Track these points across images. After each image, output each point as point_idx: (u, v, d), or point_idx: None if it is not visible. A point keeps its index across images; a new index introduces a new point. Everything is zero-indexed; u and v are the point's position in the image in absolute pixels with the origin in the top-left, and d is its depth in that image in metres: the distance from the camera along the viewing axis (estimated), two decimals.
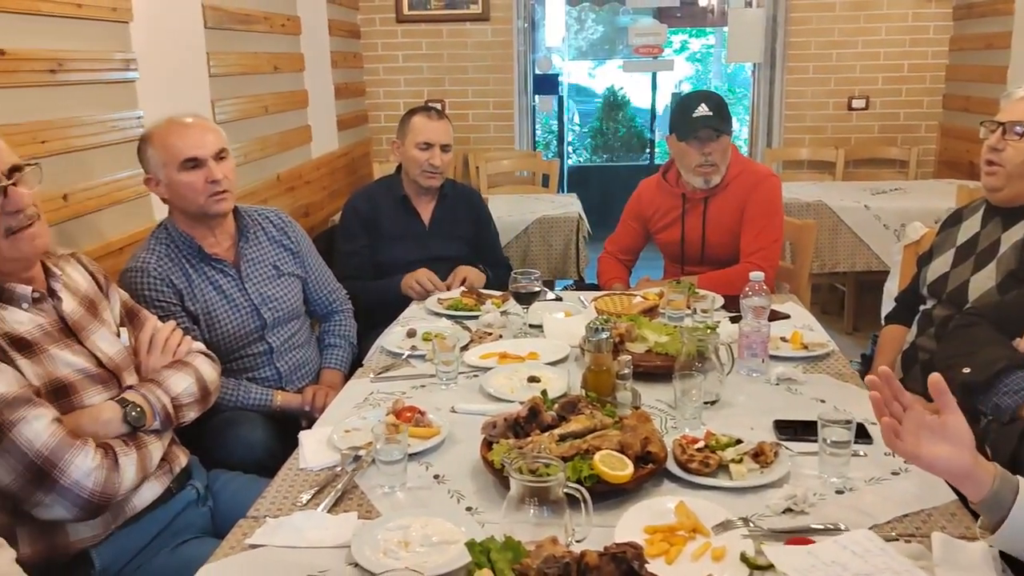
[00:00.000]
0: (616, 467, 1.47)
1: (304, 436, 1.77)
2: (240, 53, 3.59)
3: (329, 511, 1.48)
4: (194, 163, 2.17)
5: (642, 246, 3.23)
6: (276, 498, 1.55)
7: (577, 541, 1.32)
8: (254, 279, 2.33)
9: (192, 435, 1.95)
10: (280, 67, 4.07)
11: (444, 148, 3.02)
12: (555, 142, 8.80)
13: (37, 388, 1.56)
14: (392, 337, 2.35)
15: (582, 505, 1.32)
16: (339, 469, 1.63)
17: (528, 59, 5.68)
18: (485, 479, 1.57)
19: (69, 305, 1.72)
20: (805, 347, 2.19)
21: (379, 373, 2.12)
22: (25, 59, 2.18)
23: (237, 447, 2.04)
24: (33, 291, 1.64)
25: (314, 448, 1.72)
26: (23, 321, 1.61)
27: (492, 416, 1.66)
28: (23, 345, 1.58)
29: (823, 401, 1.87)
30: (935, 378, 1.28)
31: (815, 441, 1.56)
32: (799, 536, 1.34)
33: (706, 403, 1.83)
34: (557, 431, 1.58)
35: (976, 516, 1.31)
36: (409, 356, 2.21)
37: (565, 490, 1.30)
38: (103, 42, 2.57)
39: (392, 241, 3.03)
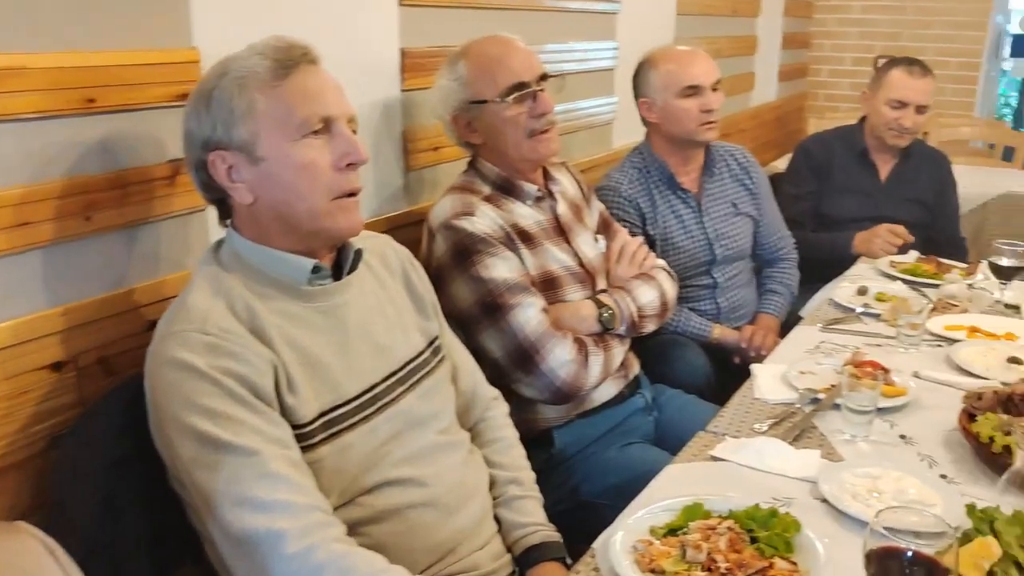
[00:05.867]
0: None
1: (757, 368, 1.78)
2: None
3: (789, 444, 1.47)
4: (693, 91, 2.25)
5: None
6: (733, 420, 1.58)
7: None
8: (712, 213, 2.37)
9: (636, 350, 2.05)
10: (738, 11, 4.04)
11: (919, 109, 2.79)
12: (1011, 114, 7.68)
13: (532, 277, 1.74)
14: (842, 292, 2.25)
15: None
16: (796, 407, 1.61)
17: (1003, 17, 4.99)
18: (961, 451, 1.45)
19: (562, 207, 1.88)
20: None
21: (829, 324, 2.05)
22: None
23: (680, 368, 2.12)
24: (537, 190, 1.82)
25: (769, 382, 1.72)
26: (526, 215, 1.80)
27: (978, 389, 1.52)
28: (526, 237, 1.77)
29: None
30: None
31: None
32: None
33: None
34: None
35: None
36: (862, 313, 2.10)
37: None
38: None
39: (841, 193, 2.89)
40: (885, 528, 0.95)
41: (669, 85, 2.26)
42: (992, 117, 5.30)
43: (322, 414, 1.18)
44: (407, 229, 1.91)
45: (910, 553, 0.94)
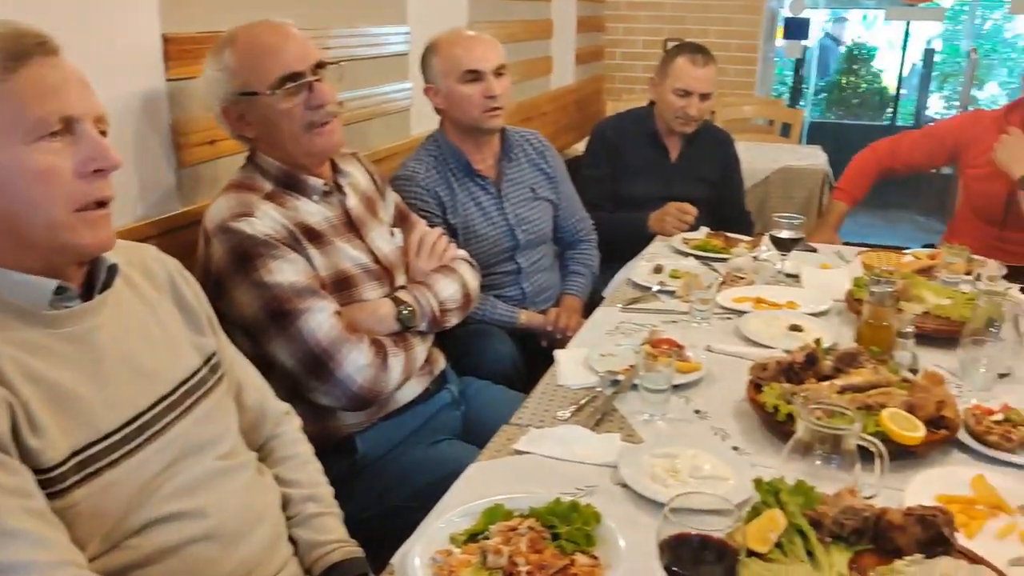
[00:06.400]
0: (905, 427, 1.36)
1: (560, 354, 1.77)
2: None
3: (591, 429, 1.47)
4: (474, 76, 2.21)
5: (924, 170, 3.13)
6: (537, 410, 1.56)
7: (865, 498, 1.22)
8: (512, 199, 2.35)
9: (442, 342, 2.00)
10: None
11: (703, 97, 2.89)
12: (787, 92, 8.29)
13: (323, 279, 1.64)
14: (639, 271, 2.31)
15: (876, 461, 1.22)
16: (598, 390, 1.62)
17: (777, 1, 5.35)
18: (751, 421, 1.50)
19: (352, 201, 1.79)
20: None
21: (628, 304, 2.09)
22: None
23: (487, 358, 2.09)
24: (324, 184, 1.72)
25: (571, 367, 1.71)
26: (313, 212, 1.69)
27: (763, 359, 1.58)
28: (314, 235, 1.66)
29: None
30: None
31: None
32: None
33: (999, 375, 1.65)
34: (837, 382, 1.48)
35: None
36: (659, 291, 2.16)
37: (858, 443, 1.21)
38: None
39: (635, 174, 2.97)
40: (675, 515, 0.95)
41: (450, 71, 2.22)
42: (770, 96, 5.67)
43: (74, 453, 1.04)
44: (183, 232, 1.75)
45: (699, 538, 0.94)
